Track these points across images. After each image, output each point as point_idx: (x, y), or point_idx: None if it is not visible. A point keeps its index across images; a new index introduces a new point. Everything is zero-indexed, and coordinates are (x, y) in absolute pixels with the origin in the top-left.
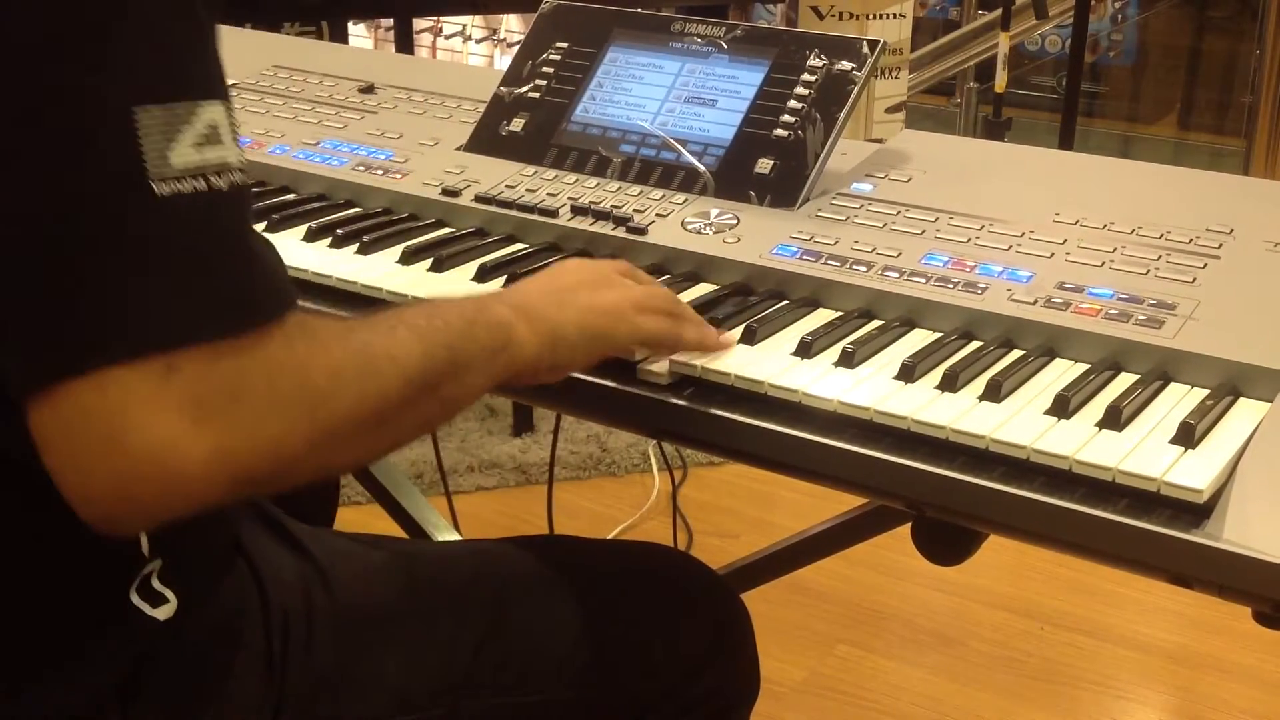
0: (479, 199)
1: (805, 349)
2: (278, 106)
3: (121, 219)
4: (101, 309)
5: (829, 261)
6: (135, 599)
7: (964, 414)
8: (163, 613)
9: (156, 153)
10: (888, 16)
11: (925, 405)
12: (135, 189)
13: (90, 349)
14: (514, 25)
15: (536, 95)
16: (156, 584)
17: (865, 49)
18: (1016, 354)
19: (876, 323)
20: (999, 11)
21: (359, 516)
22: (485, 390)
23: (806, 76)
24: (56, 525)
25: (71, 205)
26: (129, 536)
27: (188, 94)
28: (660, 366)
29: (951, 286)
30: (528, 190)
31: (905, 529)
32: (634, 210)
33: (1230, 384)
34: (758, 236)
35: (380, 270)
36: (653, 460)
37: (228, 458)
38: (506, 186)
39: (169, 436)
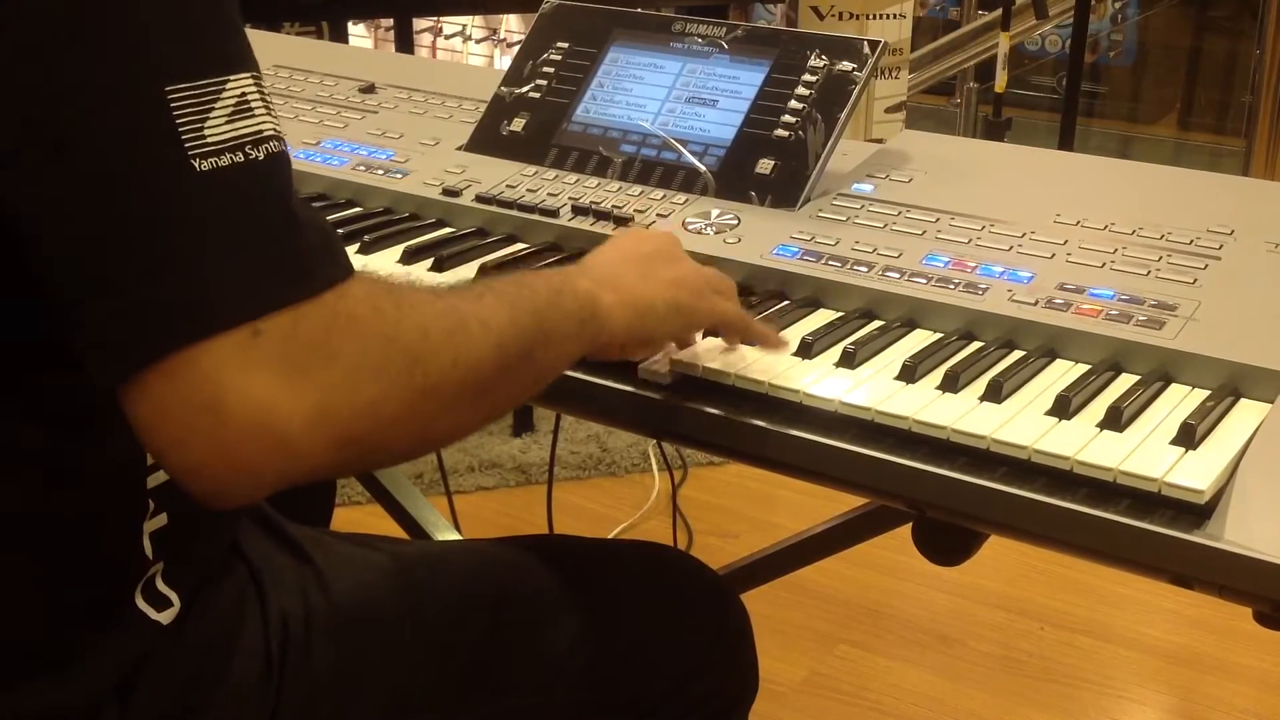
0: (480, 199)
1: (806, 349)
2: (278, 106)
3: (171, 199)
4: (173, 290)
5: (830, 262)
6: (140, 602)
7: (965, 414)
8: (165, 616)
9: (193, 130)
10: (888, 16)
11: (926, 406)
12: (179, 168)
13: (170, 330)
14: (514, 25)
15: (537, 95)
16: (161, 586)
17: (866, 49)
18: (1017, 354)
19: (877, 323)
20: (999, 11)
21: (359, 516)
22: (574, 361)
23: (807, 77)
24: (64, 527)
25: (121, 193)
26: (244, 504)
27: (214, 70)
28: (662, 366)
29: (952, 287)
30: (528, 190)
31: (905, 529)
32: (635, 210)
33: (1231, 385)
34: (758, 237)
35: (381, 270)
36: (653, 460)
37: (327, 416)
38: (507, 186)
39: (265, 397)
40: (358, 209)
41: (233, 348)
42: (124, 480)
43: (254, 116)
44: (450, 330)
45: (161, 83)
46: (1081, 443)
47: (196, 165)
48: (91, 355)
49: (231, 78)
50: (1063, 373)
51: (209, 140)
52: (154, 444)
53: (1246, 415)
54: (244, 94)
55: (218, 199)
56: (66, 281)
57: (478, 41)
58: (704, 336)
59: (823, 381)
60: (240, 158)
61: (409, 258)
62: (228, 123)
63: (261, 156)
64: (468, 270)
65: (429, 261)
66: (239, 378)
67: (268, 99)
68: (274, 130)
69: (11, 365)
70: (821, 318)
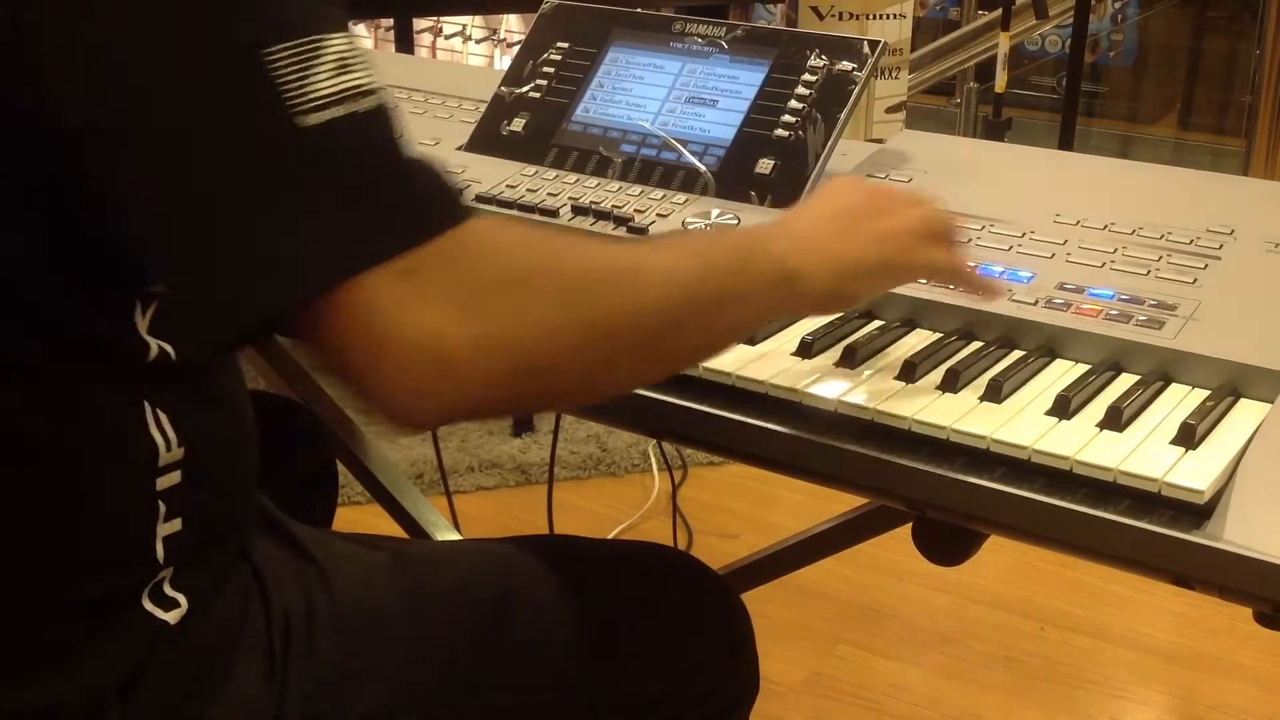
0: (480, 199)
1: (806, 349)
2: None
3: (288, 156)
4: (316, 236)
5: None
6: (146, 603)
7: (965, 414)
8: (173, 616)
9: (297, 87)
10: (888, 16)
11: (926, 405)
12: (288, 125)
13: (327, 272)
14: (514, 25)
15: (537, 95)
16: (169, 590)
17: (865, 49)
18: (1017, 354)
19: (877, 323)
20: (999, 11)
21: (359, 516)
22: (769, 321)
23: (807, 77)
24: (73, 527)
25: (234, 156)
26: (428, 429)
27: (311, 29)
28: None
29: (952, 287)
30: (528, 190)
31: (905, 529)
32: (635, 210)
33: (1231, 385)
34: None
35: None
36: (653, 460)
37: (492, 343)
38: (507, 186)
39: (432, 325)
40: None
41: (391, 287)
42: (135, 478)
43: (355, 73)
44: (618, 273)
45: (261, 44)
46: (1081, 443)
47: (306, 120)
48: (241, 309)
49: (329, 37)
50: (1063, 373)
51: (313, 96)
52: (336, 380)
53: (1246, 415)
54: (342, 53)
55: (330, 152)
56: (195, 246)
57: (478, 41)
58: None
59: (823, 381)
60: (349, 109)
61: None
62: (334, 77)
63: (370, 106)
64: None
65: None
66: (403, 310)
67: (366, 59)
68: (377, 85)
69: (37, 364)
70: (822, 317)
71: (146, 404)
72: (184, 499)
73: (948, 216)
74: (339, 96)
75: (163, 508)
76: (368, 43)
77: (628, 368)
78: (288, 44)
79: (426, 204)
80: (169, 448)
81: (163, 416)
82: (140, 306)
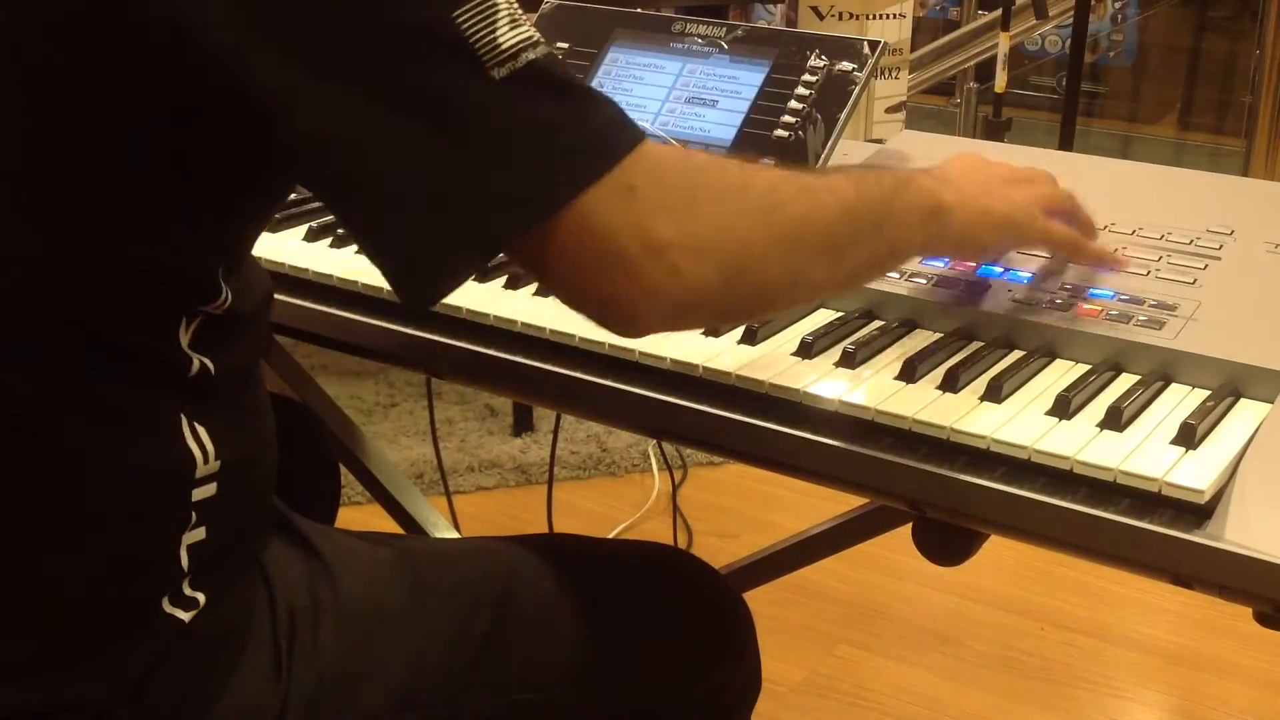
0: None
1: (806, 349)
2: None
3: (495, 103)
4: (541, 166)
5: None
6: (167, 605)
7: (965, 414)
8: (189, 615)
9: (488, 44)
10: (888, 16)
11: (926, 405)
12: (489, 76)
13: (555, 194)
14: None
15: None
16: (188, 590)
17: (865, 49)
18: (1017, 354)
19: (877, 323)
20: (999, 11)
21: (359, 516)
22: (917, 252)
23: (807, 77)
24: (108, 531)
25: (449, 114)
26: (655, 330)
27: None
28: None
29: (952, 287)
30: None
31: (905, 529)
32: None
33: (1231, 385)
34: None
35: None
36: (653, 460)
37: (705, 245)
38: None
39: (654, 232)
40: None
41: (615, 199)
42: (172, 490)
43: (525, 25)
44: (798, 190)
45: (448, 8)
46: (1081, 443)
47: (496, 74)
48: (486, 226)
49: None
50: (1063, 373)
51: (503, 49)
52: (566, 287)
53: (1246, 415)
54: (511, 7)
55: (529, 94)
56: (415, 200)
57: None
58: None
59: (823, 381)
60: (531, 56)
61: None
62: (510, 31)
63: (544, 53)
64: None
65: None
66: (627, 220)
67: (523, 12)
68: (540, 35)
69: (81, 377)
70: (821, 318)
71: (184, 417)
72: (215, 510)
73: (1073, 197)
74: (518, 47)
75: (194, 517)
76: None
77: (819, 272)
78: (470, 5)
79: (618, 126)
80: (206, 460)
81: (201, 430)
82: (185, 322)
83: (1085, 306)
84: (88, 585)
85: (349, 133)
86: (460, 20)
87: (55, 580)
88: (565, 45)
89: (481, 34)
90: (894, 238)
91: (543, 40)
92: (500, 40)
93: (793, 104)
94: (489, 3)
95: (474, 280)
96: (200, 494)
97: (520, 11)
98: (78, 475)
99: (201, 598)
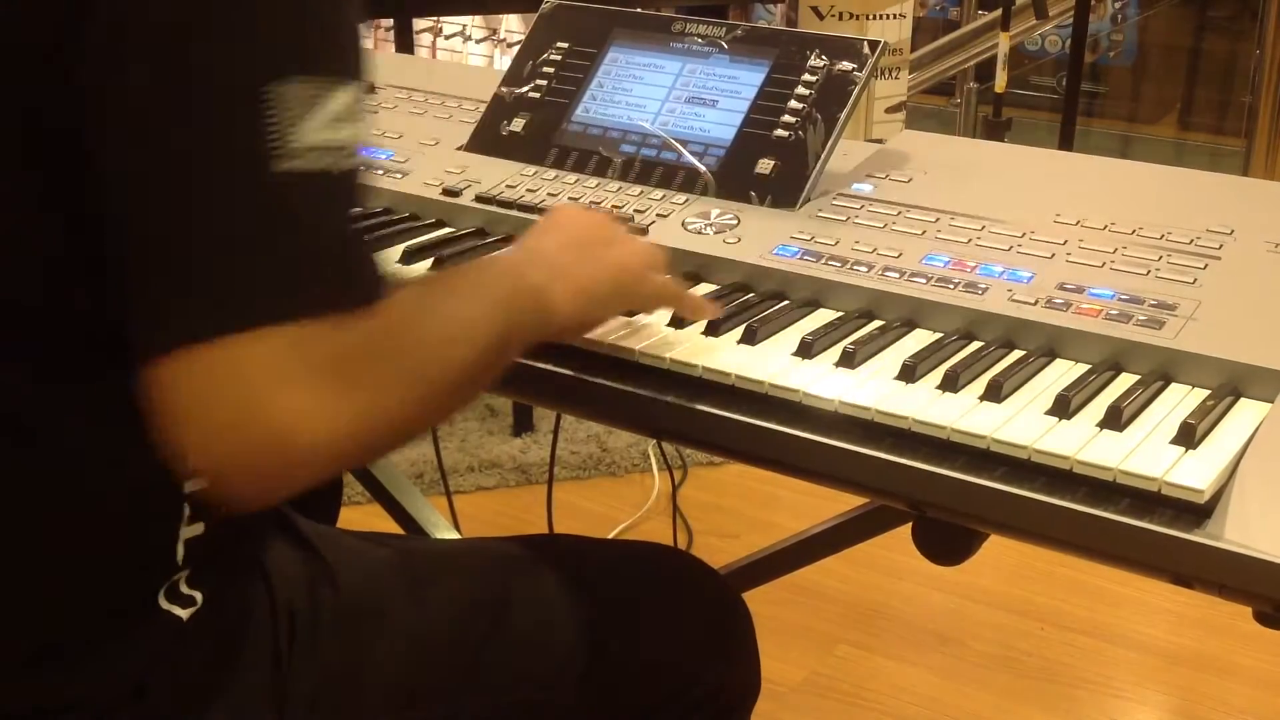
0: (480, 199)
1: (806, 349)
2: None
3: (249, 192)
4: (228, 278)
5: (830, 262)
6: (163, 602)
7: (965, 414)
8: (187, 613)
9: (289, 128)
10: (888, 16)
11: (926, 405)
12: (260, 165)
13: (218, 316)
14: (514, 25)
15: (537, 95)
16: (185, 588)
17: (865, 49)
18: (1017, 354)
19: (877, 323)
20: (999, 11)
21: (359, 516)
22: (524, 350)
23: (807, 77)
24: (102, 527)
25: (201, 175)
26: (252, 509)
27: (327, 71)
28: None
29: (952, 287)
30: (528, 190)
31: (905, 529)
32: (635, 210)
33: (1231, 384)
34: (758, 237)
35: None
36: (653, 460)
37: (354, 430)
38: (507, 186)
39: (296, 412)
40: (357, 209)
41: (272, 356)
42: (165, 484)
43: (353, 126)
44: (454, 338)
45: (267, 75)
46: (1081, 442)
47: (277, 165)
48: (138, 325)
49: (343, 83)
50: (1063, 372)
51: (304, 141)
52: (179, 435)
53: (1246, 415)
54: (350, 103)
55: (289, 201)
56: (134, 251)
57: (478, 41)
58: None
59: (823, 381)
60: (324, 164)
61: (409, 258)
62: (325, 128)
63: (345, 168)
64: None
65: (429, 261)
66: (273, 388)
67: (368, 113)
68: (362, 144)
69: (78, 371)
70: (821, 318)
71: None
72: (210, 504)
73: (660, 250)
74: (320, 149)
75: (188, 511)
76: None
77: (440, 418)
78: (297, 81)
79: (350, 276)
80: None
81: None
82: None
83: (1085, 306)
84: (85, 581)
85: (130, 158)
86: (277, 91)
87: (54, 578)
88: (565, 45)
89: (289, 114)
90: (511, 355)
91: (359, 156)
92: (301, 133)
93: (793, 104)
94: (326, 85)
95: None
96: (194, 484)
97: (363, 115)
98: (77, 473)
99: (199, 595)
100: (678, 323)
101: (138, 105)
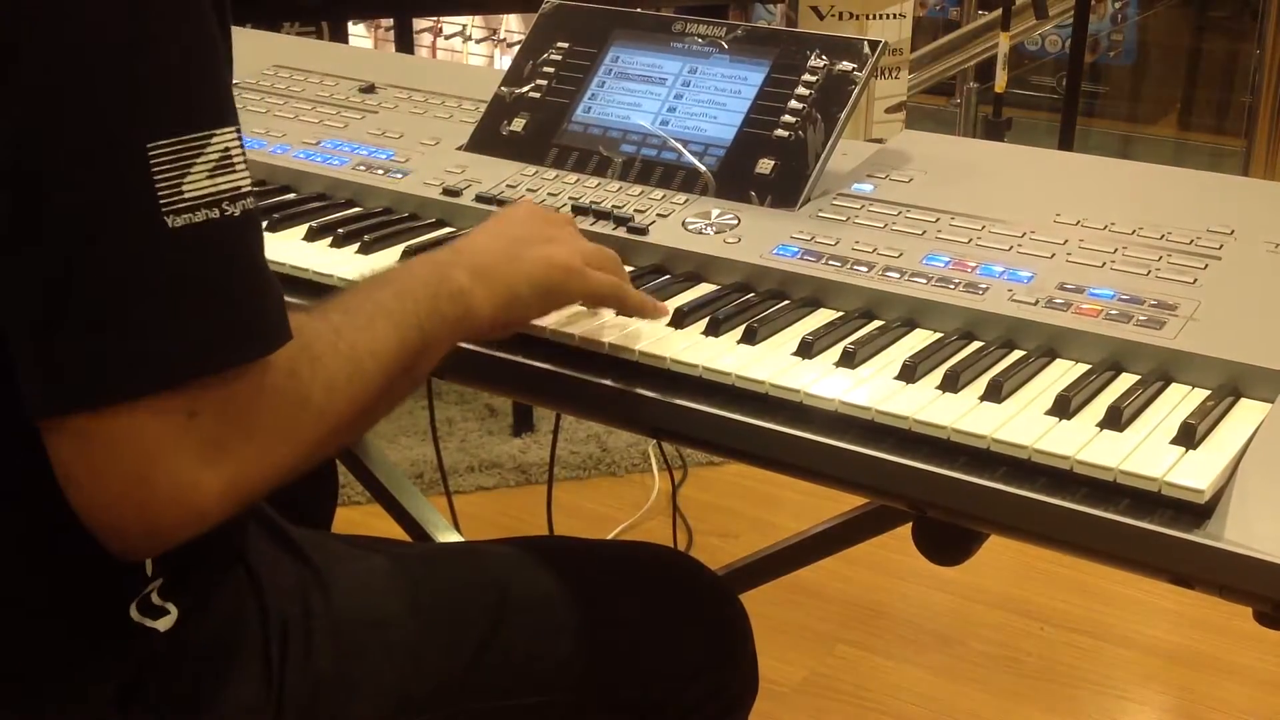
0: (480, 199)
1: (806, 349)
2: (278, 106)
3: (139, 252)
4: (120, 343)
5: (830, 262)
6: (135, 615)
7: (965, 414)
8: (163, 624)
9: (171, 185)
10: (888, 16)
11: (926, 405)
12: (150, 223)
13: (110, 384)
14: (514, 25)
15: (537, 95)
16: (156, 599)
17: (866, 49)
18: (1017, 354)
19: (877, 323)
20: (999, 11)
21: (359, 516)
22: (446, 352)
23: (807, 77)
24: (65, 546)
25: (90, 239)
26: (139, 559)
27: (202, 123)
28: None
29: (952, 287)
30: (529, 190)
31: (905, 529)
32: (635, 210)
33: (1231, 384)
34: (758, 236)
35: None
36: (653, 460)
37: (241, 487)
38: (507, 186)
39: (190, 476)
40: (358, 209)
41: (166, 428)
42: None
43: (235, 172)
44: (350, 376)
45: (146, 136)
46: (1081, 442)
47: (170, 222)
48: (32, 390)
49: (217, 132)
50: (1063, 372)
51: (186, 196)
52: (74, 494)
53: (1246, 415)
54: (228, 149)
55: (183, 257)
56: (25, 314)
57: (478, 41)
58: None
59: (823, 381)
60: (216, 214)
61: (409, 257)
62: (209, 178)
63: (237, 214)
64: None
65: None
66: (169, 457)
67: (244, 154)
68: (249, 186)
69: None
70: (821, 318)
71: None
72: None
73: (612, 253)
74: (209, 199)
75: None
76: (367, 43)
77: (336, 447)
78: (176, 139)
79: (245, 329)
80: None
81: None
82: None
83: (1085, 306)
84: (48, 600)
85: (18, 218)
86: (158, 149)
87: (13, 590)
88: (565, 45)
89: (172, 171)
90: (426, 366)
91: (251, 194)
92: (188, 186)
93: (793, 104)
94: (198, 140)
95: None
96: None
97: (241, 157)
98: (33, 479)
99: (173, 606)
100: (678, 322)
101: (22, 170)
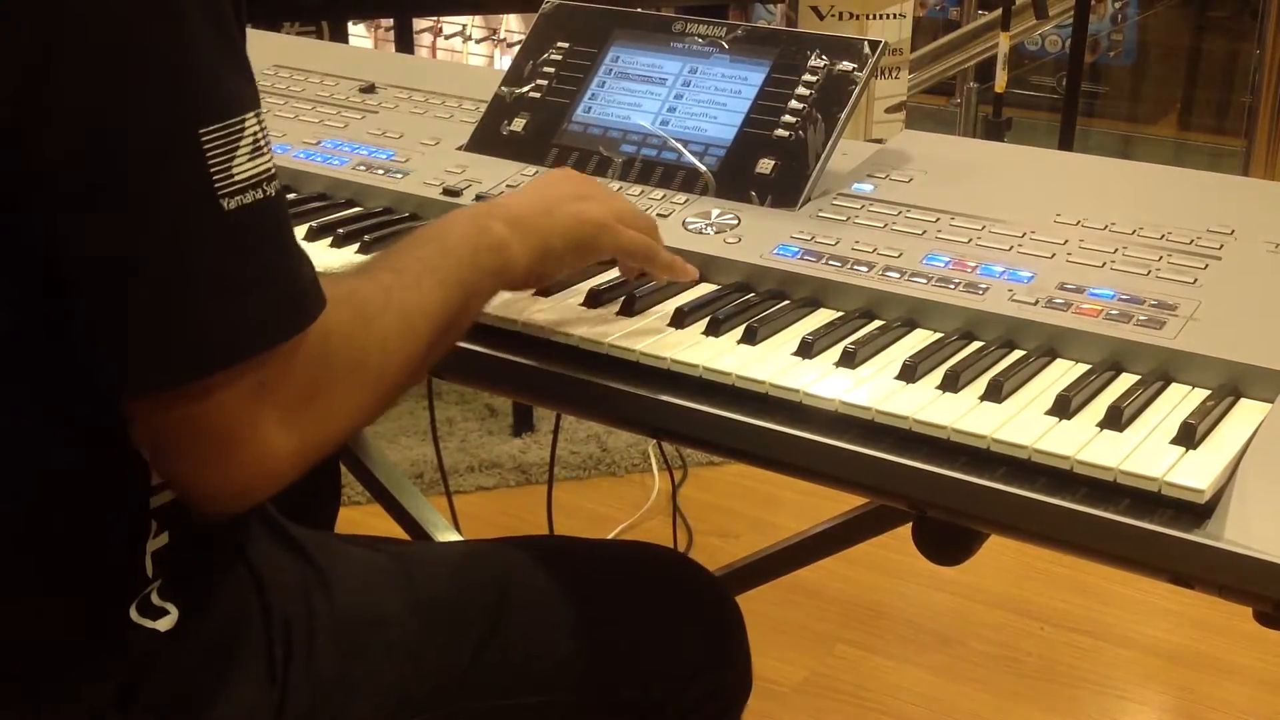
0: (480, 199)
1: (806, 349)
2: (278, 106)
3: (204, 236)
4: (195, 323)
5: (830, 262)
6: (135, 616)
7: (965, 414)
8: (164, 624)
9: (223, 169)
10: (888, 16)
11: (926, 405)
12: (210, 206)
13: (195, 361)
14: (514, 25)
15: (537, 95)
16: (156, 600)
17: (866, 49)
18: (1018, 354)
19: (878, 323)
20: (999, 11)
21: (359, 516)
22: (487, 301)
23: (807, 77)
24: (65, 545)
25: (157, 227)
26: (228, 516)
27: (239, 109)
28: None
29: (952, 287)
30: None
31: (905, 529)
32: None
33: (1231, 384)
34: (759, 236)
35: None
36: (653, 460)
37: (312, 446)
38: (508, 186)
39: (268, 438)
40: (358, 209)
41: (246, 391)
42: (129, 501)
43: (265, 154)
44: (402, 334)
45: (197, 125)
46: (1081, 442)
47: (225, 204)
48: (116, 368)
49: (248, 116)
50: (1063, 372)
51: (236, 179)
52: (166, 467)
53: (1246, 415)
54: (257, 132)
55: (240, 236)
56: (98, 302)
57: (478, 41)
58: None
59: (823, 381)
60: (260, 195)
61: None
62: (249, 160)
63: (274, 193)
64: None
65: None
66: (247, 426)
67: (268, 137)
68: (275, 166)
69: (36, 384)
70: (821, 318)
71: None
72: (174, 515)
73: (649, 215)
74: (253, 180)
75: (154, 524)
76: (367, 43)
77: (391, 404)
78: (220, 124)
79: (295, 300)
80: None
81: None
82: None
83: (1085, 306)
84: (48, 595)
85: (73, 218)
86: (205, 139)
87: (12, 591)
88: (565, 45)
89: (221, 156)
90: (468, 319)
91: (276, 175)
92: (235, 169)
93: (793, 104)
94: (238, 125)
95: None
96: (158, 500)
97: (266, 138)
98: (33, 481)
99: (173, 607)
100: (678, 322)
101: (84, 166)
